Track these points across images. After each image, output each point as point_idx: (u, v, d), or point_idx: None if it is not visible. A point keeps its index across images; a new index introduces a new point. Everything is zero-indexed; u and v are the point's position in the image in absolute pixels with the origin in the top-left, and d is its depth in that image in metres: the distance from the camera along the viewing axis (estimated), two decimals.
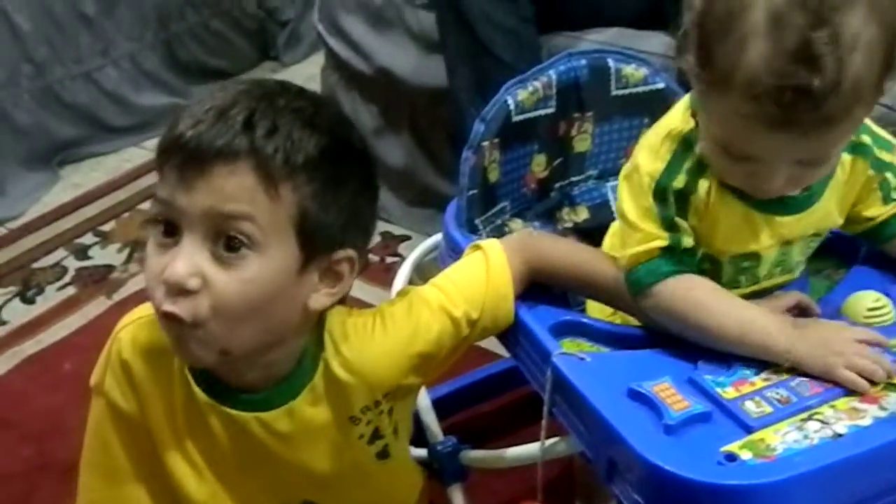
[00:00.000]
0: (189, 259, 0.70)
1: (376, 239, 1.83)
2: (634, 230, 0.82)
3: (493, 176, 1.01)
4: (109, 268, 1.80)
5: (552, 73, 1.03)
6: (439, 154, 1.78)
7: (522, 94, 1.01)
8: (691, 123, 0.81)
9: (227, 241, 0.70)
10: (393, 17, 1.69)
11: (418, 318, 0.83)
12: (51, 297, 1.72)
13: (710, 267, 0.84)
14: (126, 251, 1.85)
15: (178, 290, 0.70)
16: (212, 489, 0.84)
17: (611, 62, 1.05)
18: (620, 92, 1.06)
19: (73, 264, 1.82)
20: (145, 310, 0.81)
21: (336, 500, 0.88)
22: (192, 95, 2.40)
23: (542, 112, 1.03)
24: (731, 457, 0.69)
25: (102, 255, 1.84)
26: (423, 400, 1.04)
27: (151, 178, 2.09)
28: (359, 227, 0.78)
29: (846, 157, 0.83)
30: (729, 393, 0.75)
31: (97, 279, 1.77)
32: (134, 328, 0.81)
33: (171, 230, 0.71)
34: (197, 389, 0.80)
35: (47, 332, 1.63)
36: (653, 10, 1.48)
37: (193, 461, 0.83)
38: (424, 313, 0.83)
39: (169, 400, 0.80)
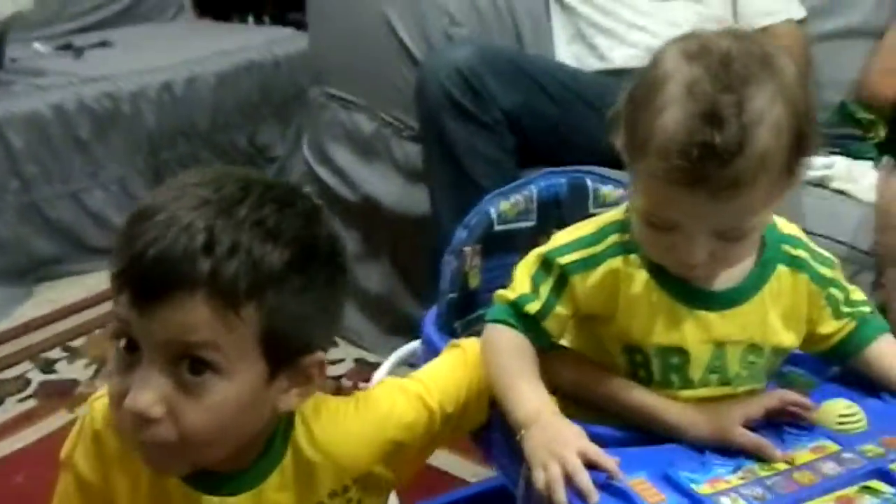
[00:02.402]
0: (151, 388, 0.67)
1: (350, 364, 1.82)
2: (512, 279, 0.88)
3: (474, 282, 1.03)
4: (74, 382, 1.77)
5: (533, 187, 1.07)
6: (419, 283, 1.81)
7: (504, 205, 1.05)
8: (623, 215, 0.86)
9: (189, 365, 0.68)
10: (380, 147, 1.76)
11: (393, 402, 0.83)
12: (10, 408, 1.68)
13: (640, 359, 0.85)
14: (93, 367, 1.82)
15: (141, 420, 0.68)
16: None
17: (589, 182, 1.10)
18: (598, 210, 1.10)
19: (37, 377, 1.78)
20: None
21: None
22: None
23: (523, 224, 1.07)
24: None
25: (68, 370, 1.81)
26: None
27: None
28: (327, 325, 0.77)
29: (783, 269, 0.85)
30: (704, 489, 0.74)
31: (61, 392, 1.73)
32: (108, 400, 0.79)
33: (133, 347, 0.69)
34: None
35: (2, 443, 1.57)
36: None
37: None
38: (400, 399, 0.83)
39: (135, 476, 0.78)
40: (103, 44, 2.60)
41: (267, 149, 2.70)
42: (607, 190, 1.10)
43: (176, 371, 0.68)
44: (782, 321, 0.86)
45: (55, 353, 1.87)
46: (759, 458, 0.78)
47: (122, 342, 0.69)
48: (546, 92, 1.57)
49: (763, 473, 0.76)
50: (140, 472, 0.78)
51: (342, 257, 0.76)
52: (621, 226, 0.85)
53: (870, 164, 1.55)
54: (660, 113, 0.74)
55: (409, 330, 1.80)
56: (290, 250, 0.69)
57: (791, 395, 0.82)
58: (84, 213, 2.25)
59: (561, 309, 0.85)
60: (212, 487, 0.77)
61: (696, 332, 0.83)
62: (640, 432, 0.83)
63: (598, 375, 0.86)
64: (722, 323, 0.83)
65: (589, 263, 0.84)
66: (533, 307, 0.85)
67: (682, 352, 0.83)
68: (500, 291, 0.88)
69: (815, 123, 0.78)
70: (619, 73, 1.69)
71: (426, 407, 0.84)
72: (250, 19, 3.28)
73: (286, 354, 0.72)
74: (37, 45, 2.52)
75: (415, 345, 1.09)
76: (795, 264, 0.86)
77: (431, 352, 0.99)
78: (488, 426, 0.88)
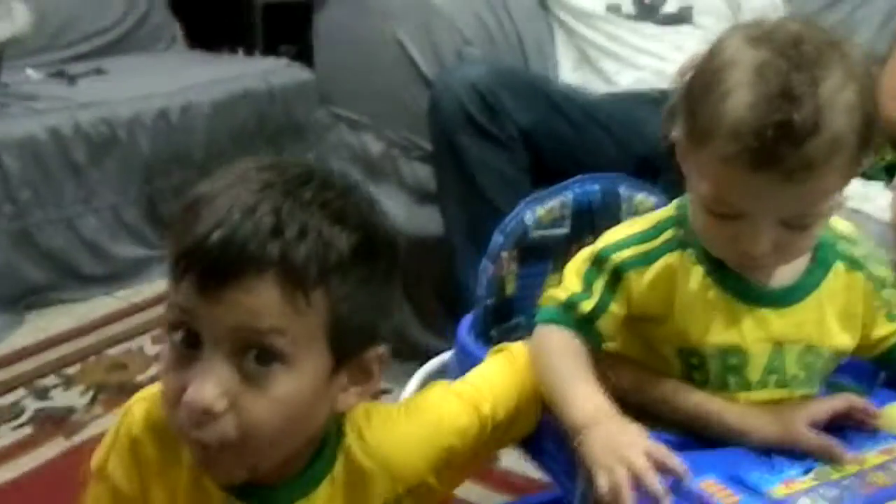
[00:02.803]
0: (215, 380, 0.63)
1: None
2: (561, 280, 0.86)
3: (510, 288, 1.00)
4: (70, 410, 1.70)
5: (569, 193, 1.04)
6: (425, 307, 1.77)
7: (540, 211, 1.02)
8: (677, 211, 0.84)
9: (256, 355, 0.64)
10: (388, 168, 1.73)
11: (446, 407, 0.79)
12: (5, 435, 1.61)
13: (696, 361, 0.82)
14: (90, 394, 1.76)
15: (202, 414, 0.64)
16: None
17: (622, 189, 1.08)
18: (630, 219, 1.08)
19: (31, 405, 1.72)
20: (158, 386, 0.76)
21: None
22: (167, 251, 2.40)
23: (557, 231, 1.04)
24: None
25: (64, 398, 1.75)
26: None
27: (121, 327, 2.06)
28: (386, 319, 0.73)
29: (840, 268, 0.83)
30: (779, 490, 0.71)
31: (56, 421, 1.66)
32: (148, 404, 0.74)
33: (192, 340, 0.65)
34: (207, 481, 0.73)
35: None
36: (643, 166, 1.54)
37: None
38: (453, 404, 0.79)
39: (174, 488, 0.73)
40: (97, 71, 2.56)
41: None
42: (641, 197, 1.08)
43: (240, 362, 0.64)
44: (839, 322, 0.83)
45: (50, 381, 1.80)
46: (828, 460, 0.75)
47: (180, 335, 0.65)
48: (560, 112, 1.56)
49: (835, 476, 0.73)
50: (179, 484, 0.73)
51: (399, 252, 0.72)
52: (676, 221, 0.83)
53: (882, 184, 1.56)
54: (727, 96, 0.72)
55: (414, 355, 1.76)
56: (356, 236, 0.66)
57: (857, 399, 0.80)
58: (77, 240, 2.19)
59: (615, 308, 0.82)
60: (258, 500, 0.73)
61: (754, 330, 0.80)
62: (698, 438, 0.80)
63: (653, 378, 0.83)
64: (780, 322, 0.81)
65: (645, 260, 0.82)
66: (586, 306, 0.82)
67: (740, 352, 0.80)
68: (550, 292, 0.86)
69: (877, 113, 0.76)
70: (626, 98, 1.70)
71: (478, 412, 0.80)
72: (240, 51, 3.26)
73: (350, 347, 0.69)
74: (29, 71, 2.48)
75: (444, 357, 1.05)
76: (852, 263, 0.84)
77: (468, 361, 0.95)
78: (539, 434, 0.85)
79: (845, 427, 0.80)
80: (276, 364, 0.64)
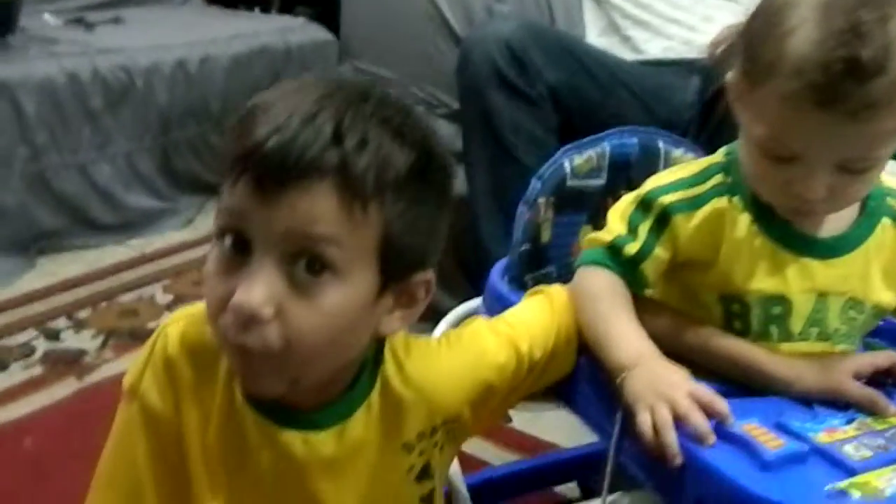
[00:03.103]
0: (265, 285, 0.62)
1: None
2: (605, 223, 0.85)
3: (546, 236, 0.99)
4: (82, 352, 1.69)
5: (606, 144, 1.03)
6: (442, 267, 1.75)
7: (578, 160, 1.01)
8: (725, 157, 0.83)
9: (307, 263, 0.63)
10: None
11: (486, 343, 0.78)
12: (15, 373, 1.60)
13: (738, 309, 0.81)
14: (101, 338, 1.75)
15: (248, 319, 0.62)
16: None
17: (661, 144, 1.06)
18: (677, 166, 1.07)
19: (42, 345, 1.71)
20: (196, 308, 0.75)
21: None
22: (180, 204, 2.39)
23: (593, 182, 1.03)
24: (840, 493, 0.63)
25: (75, 340, 1.74)
26: (454, 472, 0.95)
27: (132, 275, 2.05)
28: (436, 245, 0.72)
29: (887, 223, 0.83)
30: (823, 437, 0.70)
31: (68, 361, 1.66)
32: (184, 324, 0.73)
33: (242, 246, 0.64)
34: (241, 399, 0.72)
35: (7, 408, 1.50)
36: (670, 126, 1.52)
37: (217, 492, 0.73)
38: (492, 340, 0.79)
39: (208, 409, 0.72)
40: (115, 20, 2.54)
41: None
42: (679, 153, 1.07)
43: (290, 270, 0.63)
44: (883, 278, 0.82)
45: (60, 323, 1.79)
46: (870, 413, 0.74)
47: (229, 240, 0.64)
48: (589, 73, 1.55)
49: (879, 427, 0.72)
50: (213, 405, 0.72)
51: (452, 180, 0.71)
52: (724, 167, 0.82)
53: None
54: (791, 33, 0.71)
55: (428, 315, 1.76)
56: (414, 154, 0.65)
57: None
58: (90, 186, 2.18)
59: (660, 251, 0.81)
60: (291, 422, 0.72)
61: (799, 280, 0.79)
62: (737, 387, 0.79)
63: (693, 326, 0.82)
64: (825, 272, 0.80)
65: (693, 204, 0.81)
66: (631, 248, 0.81)
67: (784, 301, 0.79)
68: (592, 235, 0.85)
69: None
70: (654, 64, 1.68)
71: (516, 350, 0.79)
72: (257, 9, 3.23)
73: (399, 268, 0.67)
74: (47, 16, 2.46)
75: (474, 303, 1.04)
76: None
77: (499, 306, 0.94)
78: (574, 377, 0.84)
79: (885, 384, 0.79)
80: (327, 274, 0.63)
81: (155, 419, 0.72)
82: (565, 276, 1.04)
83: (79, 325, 1.80)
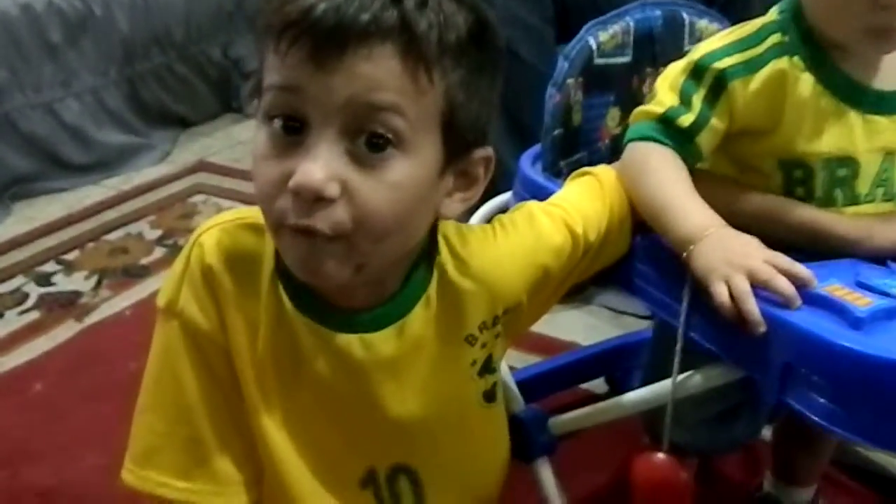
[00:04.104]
0: (326, 161, 0.57)
1: None
2: (653, 95, 0.81)
3: (577, 119, 0.95)
4: (77, 294, 1.63)
5: (629, 19, 0.98)
6: None
7: (603, 36, 0.95)
8: (779, 15, 0.79)
9: (369, 137, 0.58)
10: None
11: (541, 226, 0.74)
12: (12, 321, 1.54)
13: (800, 175, 0.78)
14: (94, 278, 1.69)
15: (314, 199, 0.57)
16: (292, 440, 0.70)
17: (685, 15, 1.01)
18: (693, 47, 1.02)
19: (35, 290, 1.64)
20: (227, 216, 0.70)
21: (430, 460, 0.74)
22: (153, 138, 2.30)
23: (619, 60, 0.98)
24: None
25: (68, 282, 1.68)
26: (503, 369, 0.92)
27: (116, 213, 1.97)
28: (491, 121, 0.67)
29: None
30: None
31: (64, 304, 1.59)
32: (218, 232, 0.68)
33: (295, 126, 0.59)
34: (290, 306, 0.67)
35: (10, 355, 1.44)
36: None
37: (272, 404, 0.69)
38: (546, 223, 0.75)
39: (252, 319, 0.67)
40: None
41: (242, 61, 2.55)
42: (704, 23, 1.02)
43: (351, 147, 0.58)
44: None
45: (49, 267, 1.72)
46: None
47: (279, 122, 0.59)
48: None
49: None
50: (260, 314, 0.67)
51: (503, 48, 0.66)
52: (780, 26, 0.78)
53: None
54: None
55: None
56: (472, 18, 0.61)
57: None
58: (59, 126, 2.07)
59: (716, 121, 0.77)
60: (346, 325, 0.68)
61: (866, 139, 0.76)
62: (807, 254, 0.75)
63: (753, 195, 0.78)
64: (892, 129, 0.76)
65: (751, 66, 0.76)
66: (686, 119, 0.77)
67: (851, 162, 0.76)
68: (640, 108, 0.80)
69: None
70: None
71: (571, 231, 0.75)
72: None
73: (462, 141, 0.63)
74: None
75: (504, 197, 0.99)
76: None
77: (538, 197, 0.90)
78: (630, 258, 0.80)
79: None
80: (390, 149, 0.58)
81: (198, 335, 0.68)
82: (595, 161, 1.00)
83: (69, 268, 1.73)
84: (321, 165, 0.57)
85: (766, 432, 1.09)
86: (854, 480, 1.16)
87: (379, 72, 0.57)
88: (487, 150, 0.66)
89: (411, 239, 0.65)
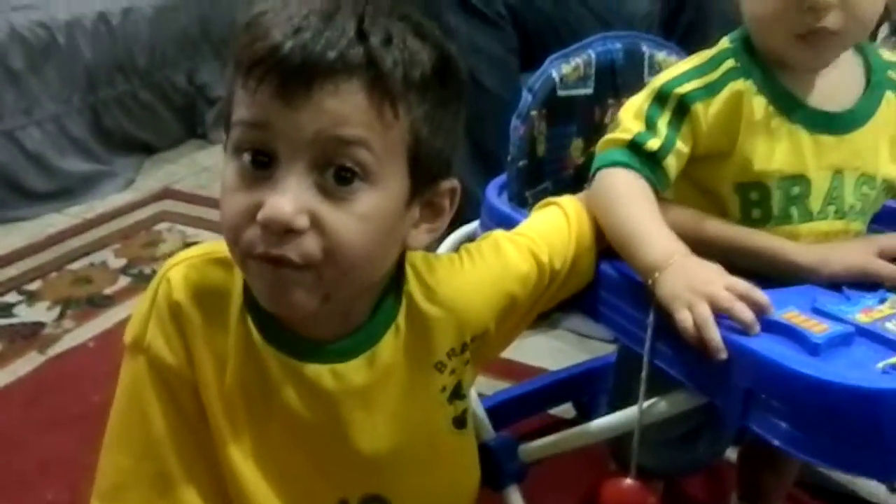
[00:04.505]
0: (295, 194, 0.58)
1: None
2: (617, 125, 0.83)
3: (541, 149, 0.96)
4: (40, 325, 1.61)
5: (591, 51, 1.00)
6: None
7: (566, 69, 0.97)
8: (730, 44, 0.82)
9: (337, 171, 0.59)
10: None
11: (507, 255, 0.76)
12: None
13: (756, 196, 0.81)
14: (57, 309, 1.66)
15: (283, 231, 0.58)
16: (262, 472, 0.70)
17: (645, 47, 1.04)
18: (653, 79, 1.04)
19: None
20: (194, 252, 0.70)
21: (401, 489, 0.75)
22: (116, 166, 2.28)
23: (581, 92, 1.00)
24: (893, 368, 0.63)
25: (30, 313, 1.65)
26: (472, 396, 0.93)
27: (79, 241, 1.95)
28: (454, 152, 0.69)
29: (891, 96, 0.83)
30: (861, 317, 0.70)
31: (26, 335, 1.57)
32: (185, 268, 0.68)
33: (264, 161, 0.60)
34: (259, 339, 0.68)
35: None
36: None
37: (241, 437, 0.69)
38: (512, 252, 0.76)
39: (220, 353, 0.67)
40: None
41: (207, 87, 2.55)
42: (663, 55, 1.04)
43: (320, 180, 0.59)
44: (890, 152, 0.83)
45: (11, 298, 1.70)
46: None
47: (248, 156, 0.60)
48: None
49: None
50: (228, 348, 0.68)
51: (465, 84, 0.67)
52: (733, 52, 0.81)
53: None
54: None
55: None
56: (436, 53, 0.62)
57: None
58: (21, 154, 2.06)
59: (681, 145, 0.80)
60: (316, 356, 0.68)
61: (816, 158, 0.80)
62: (765, 280, 0.77)
63: (714, 222, 0.80)
64: (839, 148, 0.80)
65: (710, 90, 0.80)
66: (653, 144, 0.79)
67: (803, 180, 0.80)
68: (607, 136, 0.82)
69: None
70: None
71: (537, 260, 0.77)
72: None
73: (427, 173, 0.64)
74: None
75: (471, 227, 1.01)
76: None
77: (504, 226, 0.91)
78: (595, 286, 0.82)
79: None
80: (358, 181, 0.60)
81: (165, 371, 0.68)
82: (560, 190, 1.02)
83: (31, 298, 1.71)
84: (290, 198, 0.58)
85: (731, 454, 1.11)
86: (816, 500, 1.19)
87: (346, 107, 0.58)
88: (453, 182, 0.67)
89: (379, 269, 0.66)
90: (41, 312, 1.65)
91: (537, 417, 1.26)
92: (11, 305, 1.67)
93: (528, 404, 1.27)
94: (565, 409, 1.33)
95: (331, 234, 0.59)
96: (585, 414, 1.30)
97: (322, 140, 0.58)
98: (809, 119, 0.79)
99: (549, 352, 1.55)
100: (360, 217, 0.60)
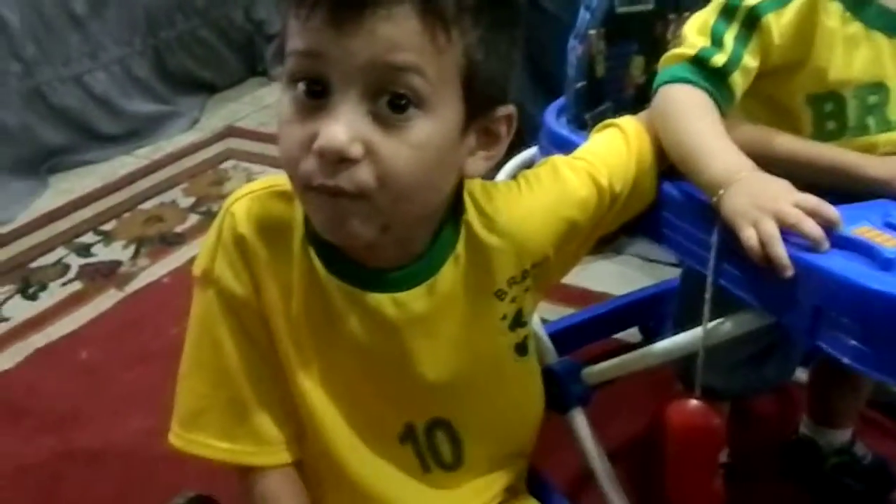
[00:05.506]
0: (349, 122, 0.58)
1: None
2: (680, 40, 0.80)
3: (600, 70, 0.94)
4: (117, 263, 1.67)
5: None
6: None
7: None
8: None
9: (390, 99, 0.59)
10: None
11: (565, 180, 0.74)
12: (56, 292, 1.58)
13: (831, 108, 0.78)
14: (132, 247, 1.72)
15: (338, 160, 0.59)
16: (330, 398, 0.72)
17: None
18: None
19: (75, 261, 1.68)
20: (256, 185, 0.71)
21: (466, 414, 0.76)
22: (182, 105, 2.31)
23: (641, 8, 0.97)
24: None
25: (107, 252, 1.71)
26: (535, 321, 0.93)
27: (149, 182, 2.00)
28: (512, 78, 0.67)
29: None
30: None
31: (105, 273, 1.63)
32: (248, 201, 0.69)
33: (318, 90, 0.60)
34: (322, 269, 0.69)
35: (55, 325, 1.49)
36: None
37: (309, 364, 0.71)
38: (571, 177, 0.75)
39: (288, 281, 0.69)
40: None
41: (265, 24, 2.54)
42: None
43: (374, 108, 0.59)
44: None
45: (88, 238, 1.76)
46: None
47: (303, 85, 0.60)
48: None
49: None
50: (292, 278, 0.69)
51: (522, 11, 0.66)
52: None
53: None
54: None
55: None
56: None
57: None
58: (89, 98, 2.10)
59: (748, 59, 0.77)
60: (377, 285, 0.69)
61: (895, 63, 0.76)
62: (837, 196, 0.75)
63: (782, 137, 0.77)
64: None
65: None
66: (719, 59, 0.76)
67: (881, 88, 0.76)
68: (671, 52, 0.79)
69: None
70: None
71: (596, 183, 0.75)
72: None
73: (483, 99, 0.63)
74: None
75: (530, 153, 0.99)
76: None
77: (563, 150, 0.90)
78: (657, 206, 0.80)
79: None
80: (412, 109, 0.59)
81: (234, 300, 0.70)
82: (621, 111, 0.99)
83: (107, 238, 1.76)
84: (344, 127, 0.58)
85: (802, 375, 1.10)
86: (889, 419, 1.17)
87: (398, 32, 0.57)
88: (509, 108, 0.66)
89: (435, 198, 0.65)
90: (117, 251, 1.71)
91: (603, 343, 1.26)
92: (89, 245, 1.74)
93: (594, 329, 1.26)
94: (632, 334, 1.32)
95: (384, 163, 0.59)
96: (651, 339, 1.29)
97: (375, 67, 0.58)
98: (889, 23, 0.75)
99: (614, 277, 1.55)
100: (414, 145, 0.59)
